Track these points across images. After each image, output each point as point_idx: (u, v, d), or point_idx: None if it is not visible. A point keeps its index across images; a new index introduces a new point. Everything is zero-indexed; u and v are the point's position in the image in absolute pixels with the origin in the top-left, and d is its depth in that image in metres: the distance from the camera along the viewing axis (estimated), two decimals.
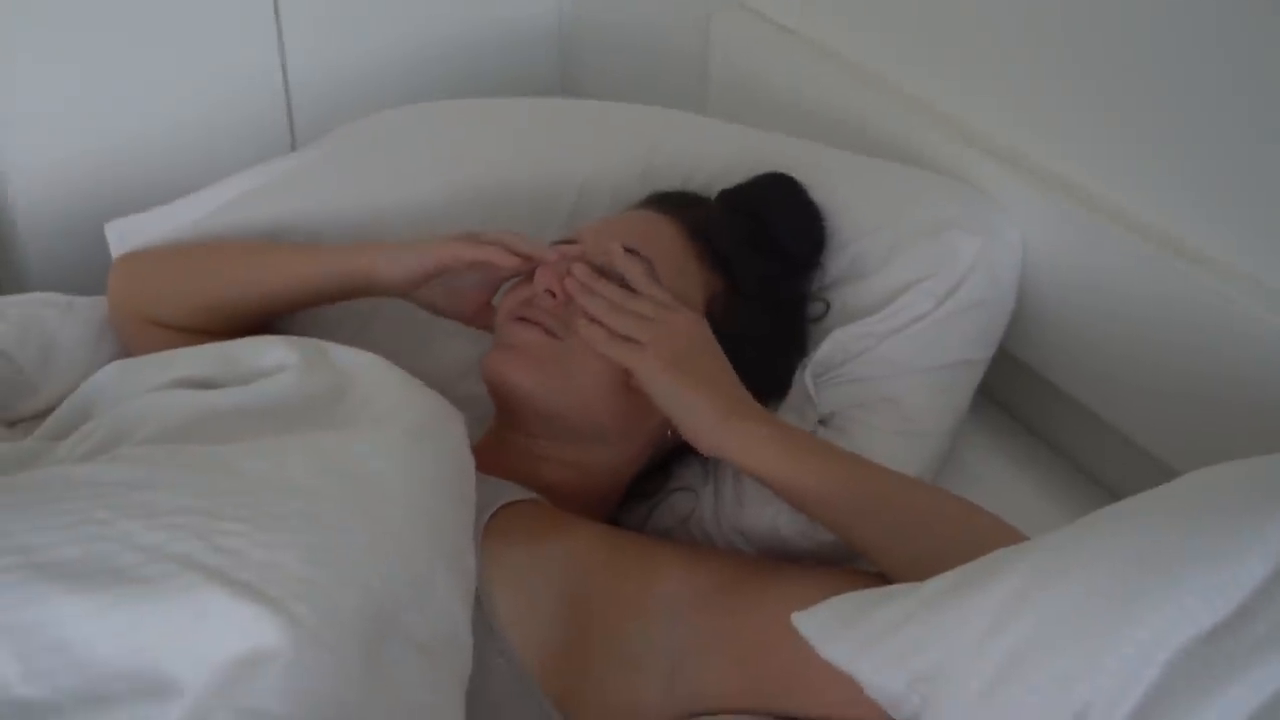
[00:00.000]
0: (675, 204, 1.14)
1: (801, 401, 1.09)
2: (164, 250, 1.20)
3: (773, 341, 1.11)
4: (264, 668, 0.68)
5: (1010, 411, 1.27)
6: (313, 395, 0.93)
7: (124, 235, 1.23)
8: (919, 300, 1.09)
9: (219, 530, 0.73)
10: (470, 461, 0.91)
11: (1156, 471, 1.01)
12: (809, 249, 1.15)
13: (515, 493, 0.96)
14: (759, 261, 1.10)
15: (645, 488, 1.11)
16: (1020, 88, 1.15)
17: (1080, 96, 1.09)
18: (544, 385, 1.00)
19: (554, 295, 1.02)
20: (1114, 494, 1.12)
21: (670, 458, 1.12)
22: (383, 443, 0.85)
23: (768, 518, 1.04)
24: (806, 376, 1.09)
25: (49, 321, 1.19)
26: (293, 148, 1.74)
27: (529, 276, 1.05)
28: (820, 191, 1.17)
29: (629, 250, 1.03)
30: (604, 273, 1.03)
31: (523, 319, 1.02)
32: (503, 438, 1.07)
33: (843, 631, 0.79)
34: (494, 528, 0.91)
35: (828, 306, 1.14)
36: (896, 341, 1.09)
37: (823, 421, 1.10)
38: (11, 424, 1.15)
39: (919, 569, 0.83)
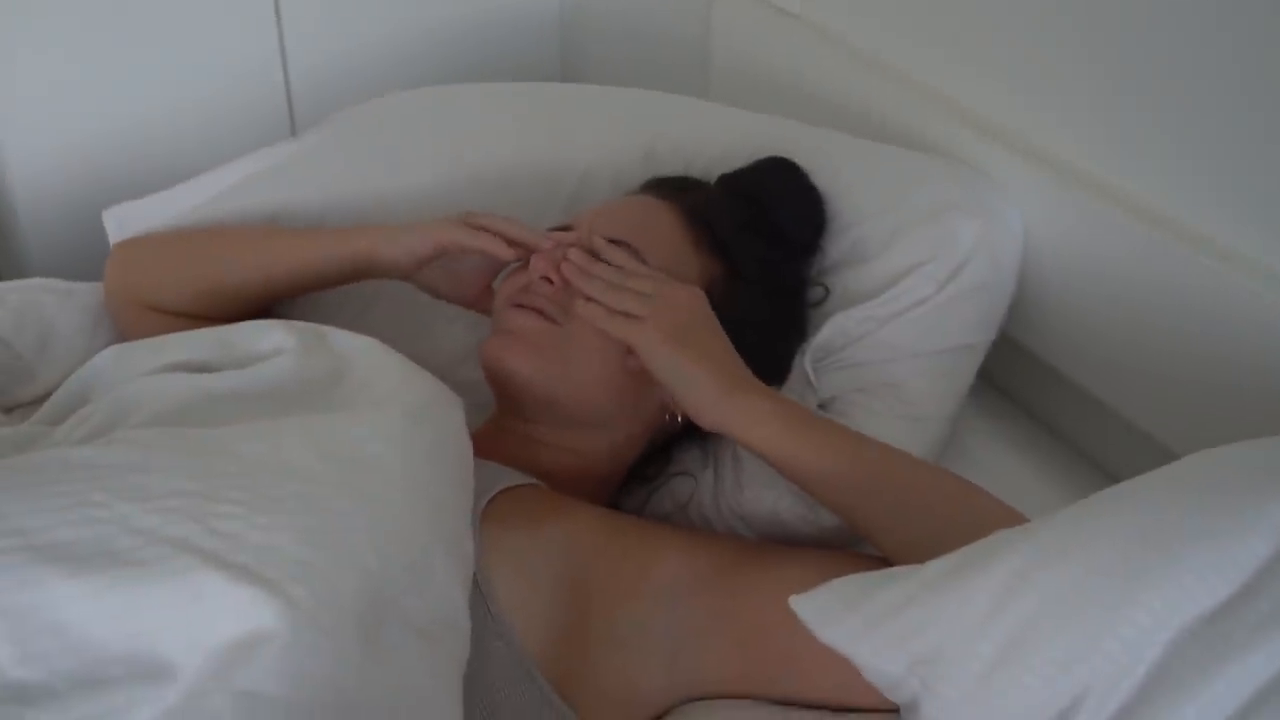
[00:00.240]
0: (674, 189, 1.13)
1: (801, 386, 1.09)
2: (163, 236, 1.20)
3: (772, 326, 1.10)
4: (260, 650, 0.68)
5: (1010, 396, 1.27)
6: (310, 379, 0.93)
7: (122, 222, 1.23)
8: (920, 284, 1.08)
9: (215, 513, 0.73)
10: (468, 446, 0.90)
11: (1157, 455, 1.00)
12: (809, 233, 1.15)
13: (514, 477, 0.96)
14: (758, 246, 1.10)
15: (645, 472, 1.11)
16: (1021, 71, 1.15)
17: (1082, 79, 1.08)
18: (542, 370, 1.00)
19: (551, 282, 1.01)
20: (1114, 478, 1.10)
21: (670, 442, 1.11)
22: (381, 426, 0.85)
23: (768, 502, 1.04)
24: (806, 361, 1.09)
25: (47, 307, 1.19)
26: (292, 134, 1.74)
27: (526, 263, 1.05)
28: (821, 175, 1.17)
29: (614, 241, 1.03)
30: (600, 258, 1.02)
31: (520, 305, 1.02)
32: (501, 424, 1.06)
33: (842, 615, 0.78)
34: (492, 512, 0.91)
35: (827, 291, 1.14)
36: (897, 326, 1.08)
37: (822, 406, 1.10)
38: (9, 410, 1.15)
39: (919, 550, 0.83)
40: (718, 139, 1.25)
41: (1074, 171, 1.10)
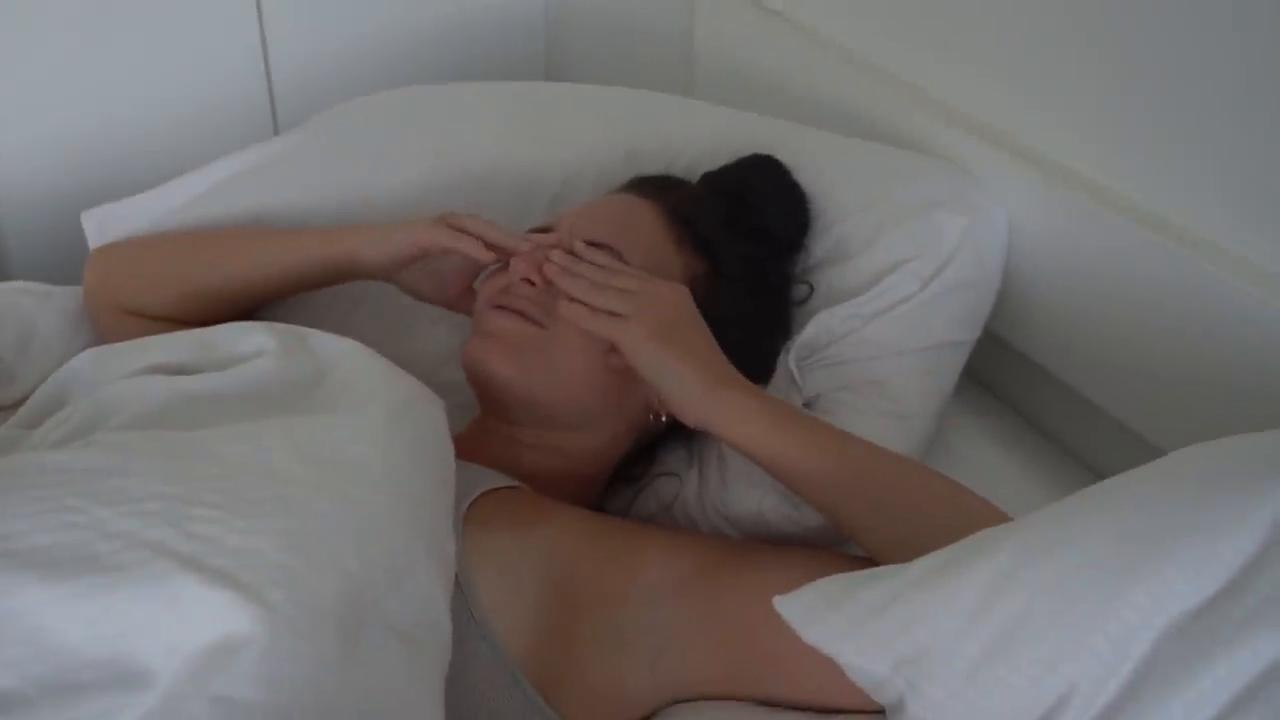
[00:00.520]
0: (656, 187, 1.13)
1: (786, 385, 1.08)
2: (142, 240, 1.19)
3: (756, 324, 1.10)
4: (238, 655, 0.67)
5: (996, 393, 1.27)
6: (291, 380, 0.92)
7: (101, 224, 1.23)
8: (904, 281, 1.08)
9: (194, 516, 0.73)
10: (450, 447, 0.90)
11: (1143, 452, 1.00)
12: (794, 230, 1.15)
13: (496, 480, 0.95)
14: (741, 243, 1.10)
15: (630, 472, 1.11)
16: (1006, 68, 1.15)
17: (1067, 77, 1.08)
18: (524, 372, 0.99)
19: (532, 283, 1.01)
20: (1100, 474, 1.11)
21: (655, 442, 1.11)
22: (362, 427, 0.84)
23: (753, 501, 1.03)
24: (791, 359, 1.08)
25: (27, 309, 1.18)
26: (276, 134, 1.73)
27: (506, 264, 1.05)
28: (805, 173, 1.17)
29: (594, 244, 1.03)
30: (582, 260, 1.02)
31: (501, 307, 1.02)
32: (485, 426, 1.06)
33: (826, 615, 0.78)
34: (475, 514, 0.90)
35: (811, 289, 1.14)
36: (882, 323, 1.08)
37: (807, 404, 1.09)
38: None
39: (905, 549, 0.82)
40: (701, 137, 1.25)
41: (1059, 168, 1.10)
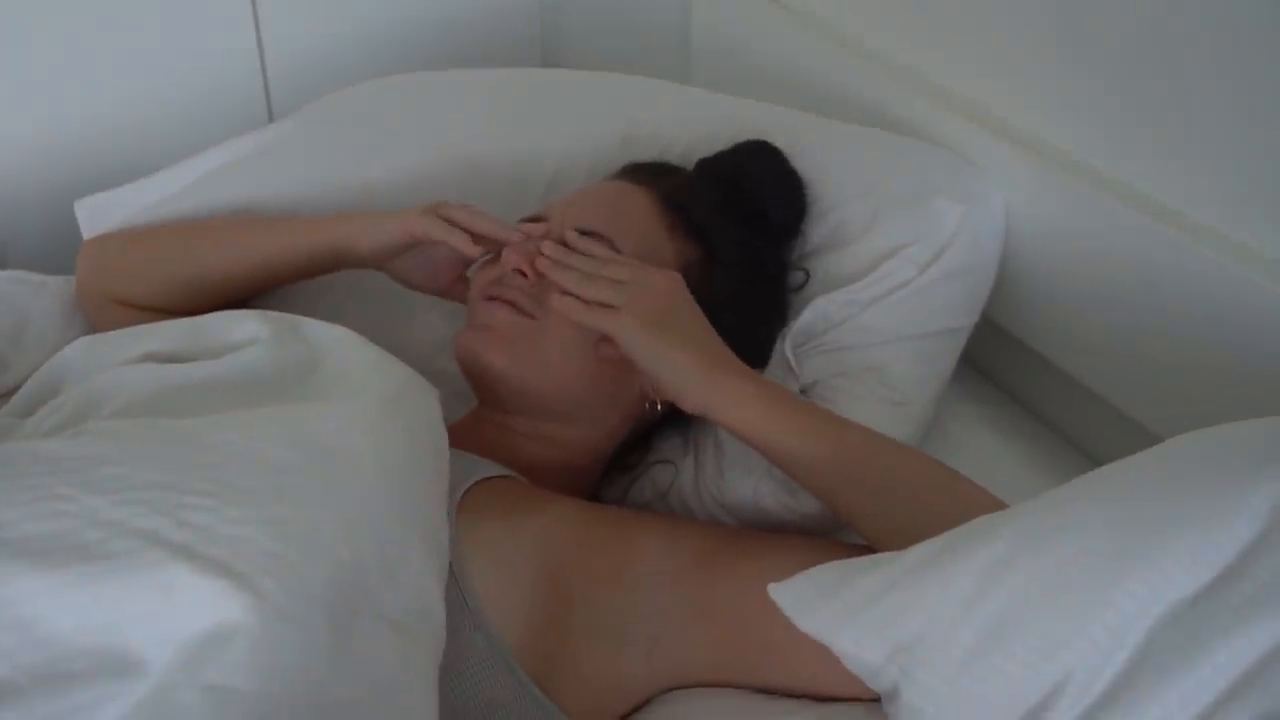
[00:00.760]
0: (650, 173, 1.13)
1: (782, 371, 1.08)
2: (135, 230, 1.19)
3: (752, 310, 1.09)
4: (229, 644, 0.67)
5: (993, 380, 1.27)
6: (284, 369, 0.92)
7: (94, 212, 1.23)
8: (901, 267, 1.08)
9: (185, 505, 0.72)
10: (444, 436, 0.90)
11: (1141, 439, 1.00)
12: (790, 216, 1.14)
13: (491, 469, 0.95)
14: (736, 229, 1.09)
15: (625, 460, 1.11)
16: (1003, 54, 1.14)
17: (1064, 62, 1.08)
18: (517, 363, 0.99)
19: (523, 275, 1.01)
20: (1097, 461, 1.11)
21: (650, 430, 1.11)
22: (355, 416, 0.84)
23: (749, 489, 1.03)
24: (787, 346, 1.08)
25: (20, 298, 1.19)
26: (270, 122, 1.72)
27: (499, 254, 1.04)
28: (802, 159, 1.16)
29: (585, 233, 1.02)
30: (573, 250, 1.02)
31: (492, 298, 1.01)
32: (480, 415, 1.06)
33: (821, 603, 0.78)
34: (469, 503, 0.90)
35: (808, 275, 1.13)
36: (879, 309, 1.08)
37: (804, 391, 1.09)
38: None
39: (902, 536, 0.82)
40: (696, 124, 1.25)
41: (1056, 154, 1.09)
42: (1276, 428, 0.76)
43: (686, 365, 0.94)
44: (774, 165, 1.15)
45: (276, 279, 1.13)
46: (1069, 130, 1.09)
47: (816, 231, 1.15)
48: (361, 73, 1.40)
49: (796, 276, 1.14)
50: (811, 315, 1.08)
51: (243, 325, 0.96)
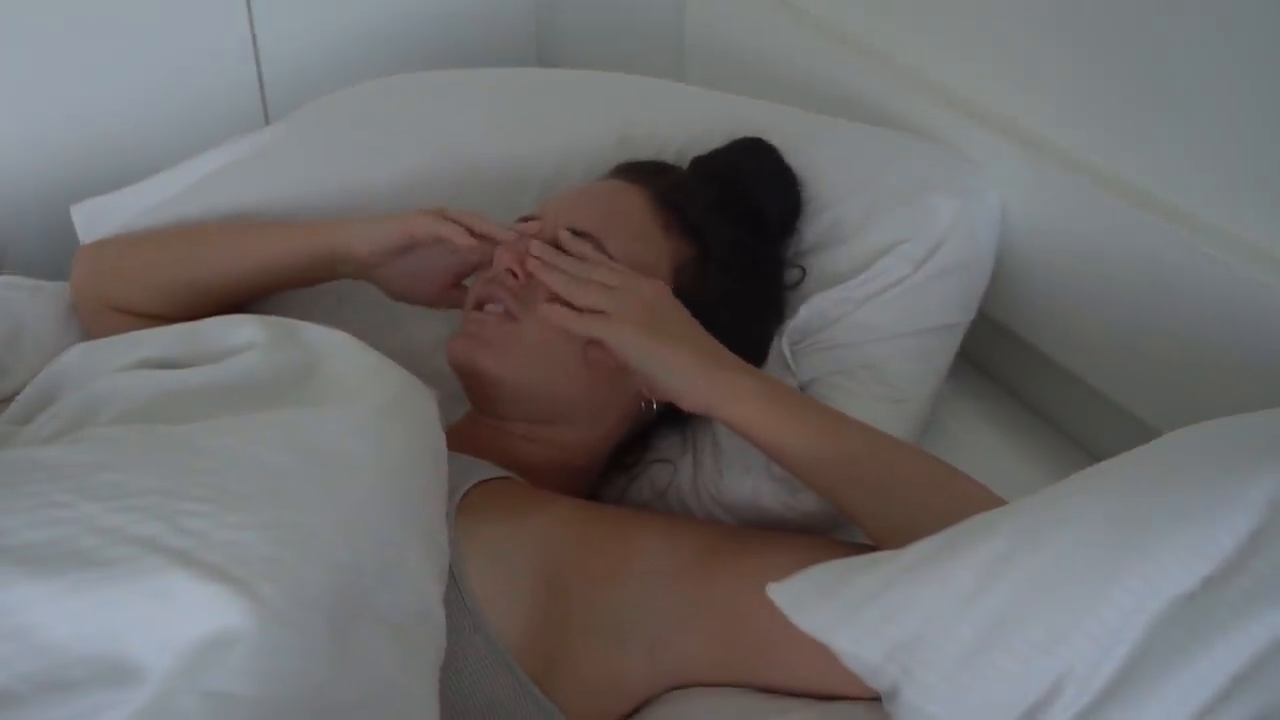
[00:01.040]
0: (645, 172, 1.13)
1: (780, 369, 1.08)
2: (129, 237, 1.19)
3: (747, 307, 1.09)
4: (229, 649, 0.67)
5: (991, 375, 1.26)
6: (282, 373, 0.92)
7: (91, 216, 1.22)
8: (897, 264, 1.08)
9: (183, 511, 0.72)
10: (442, 438, 0.90)
11: (1139, 433, 1.00)
12: (785, 213, 1.14)
13: (489, 471, 0.95)
14: (730, 227, 1.09)
15: (623, 460, 1.11)
16: (998, 49, 1.14)
17: (1059, 57, 1.08)
18: (507, 368, 1.00)
19: (515, 275, 1.01)
20: (1096, 456, 1.11)
21: (648, 429, 1.11)
22: (353, 419, 0.84)
23: (747, 487, 1.03)
24: (784, 344, 1.08)
25: (17, 304, 1.18)
26: (266, 124, 1.72)
27: (492, 263, 1.04)
28: (797, 156, 1.16)
29: (577, 232, 1.02)
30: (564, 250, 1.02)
31: (481, 308, 1.02)
32: (476, 417, 1.06)
33: (819, 601, 0.78)
34: (468, 505, 0.90)
35: (804, 273, 1.13)
36: (875, 306, 1.08)
37: (802, 389, 1.09)
38: None
39: (901, 533, 0.82)
40: (692, 122, 1.25)
41: (1052, 149, 1.09)
42: (1272, 421, 0.76)
43: (685, 363, 0.94)
44: (769, 162, 1.15)
45: (273, 285, 1.13)
46: (1065, 125, 1.09)
47: (812, 229, 1.15)
48: (357, 73, 1.40)
49: (793, 274, 1.14)
50: (808, 313, 1.08)
51: (239, 330, 0.96)
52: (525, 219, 1.07)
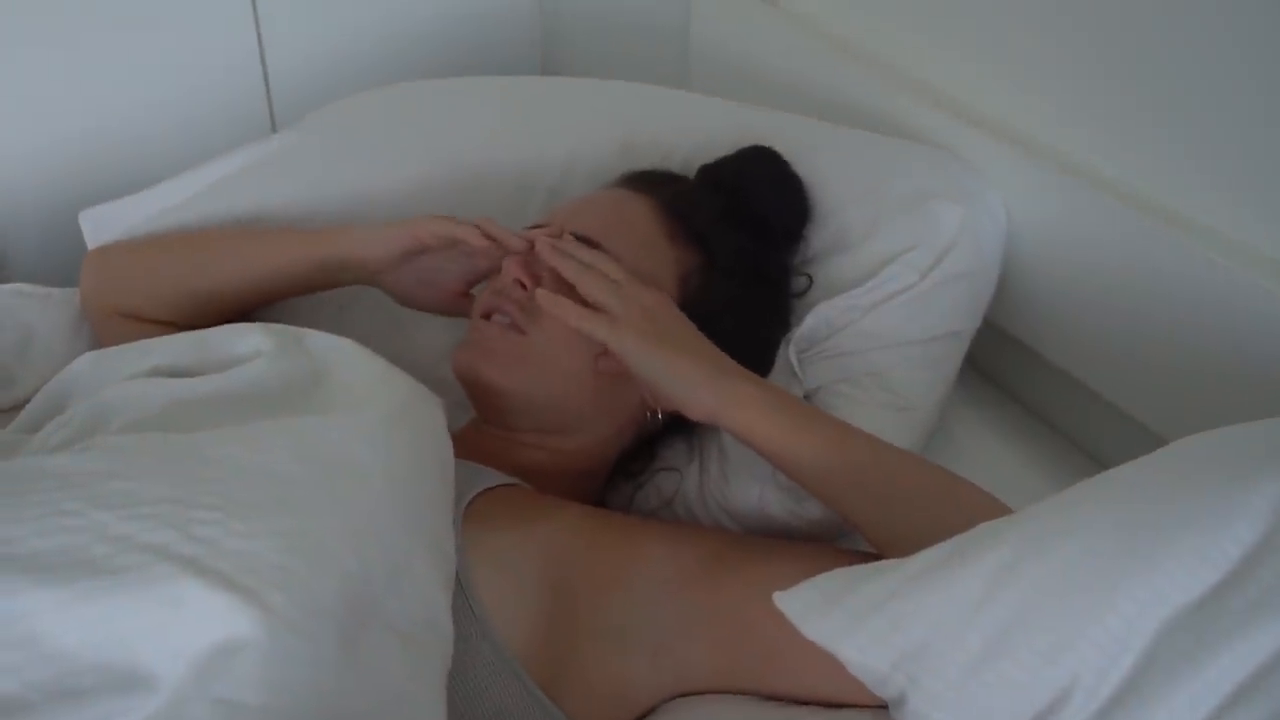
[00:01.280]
0: (650, 181, 1.13)
1: (786, 377, 1.08)
2: (136, 242, 1.19)
3: (753, 315, 1.09)
4: (239, 658, 0.67)
5: (997, 383, 1.26)
6: (289, 381, 0.92)
7: (99, 223, 1.23)
8: (903, 272, 1.08)
9: (193, 519, 0.72)
10: (448, 446, 0.90)
11: (1146, 441, 1.00)
12: (792, 221, 1.14)
13: (495, 478, 0.95)
14: (736, 235, 1.09)
15: (630, 468, 1.11)
16: (1002, 56, 1.15)
17: (1062, 64, 1.08)
18: (515, 379, 1.00)
19: (523, 286, 1.01)
20: (1102, 464, 1.12)
21: (654, 438, 1.11)
22: (360, 427, 0.84)
23: (754, 495, 1.03)
24: (790, 352, 1.08)
25: (25, 311, 1.19)
26: (273, 132, 1.73)
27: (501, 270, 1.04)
28: (802, 164, 1.16)
29: (581, 238, 1.02)
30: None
31: (488, 318, 1.02)
32: (481, 425, 1.06)
33: (826, 610, 0.78)
34: (474, 512, 0.90)
35: (810, 281, 1.13)
36: (881, 314, 1.08)
37: (808, 397, 1.09)
38: None
39: (907, 542, 0.82)
40: (697, 130, 1.25)
41: (1056, 156, 1.10)
42: (1273, 429, 0.76)
43: (689, 372, 0.94)
44: (775, 171, 1.15)
45: (278, 292, 1.13)
46: (1070, 132, 1.09)
47: (818, 237, 1.15)
48: (363, 81, 1.40)
49: (799, 282, 1.14)
50: (814, 321, 1.08)
51: (247, 339, 0.96)
52: (533, 228, 1.07)
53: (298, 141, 1.31)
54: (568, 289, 0.98)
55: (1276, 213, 0.93)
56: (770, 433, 0.92)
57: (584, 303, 0.96)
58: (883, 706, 0.80)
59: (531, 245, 1.03)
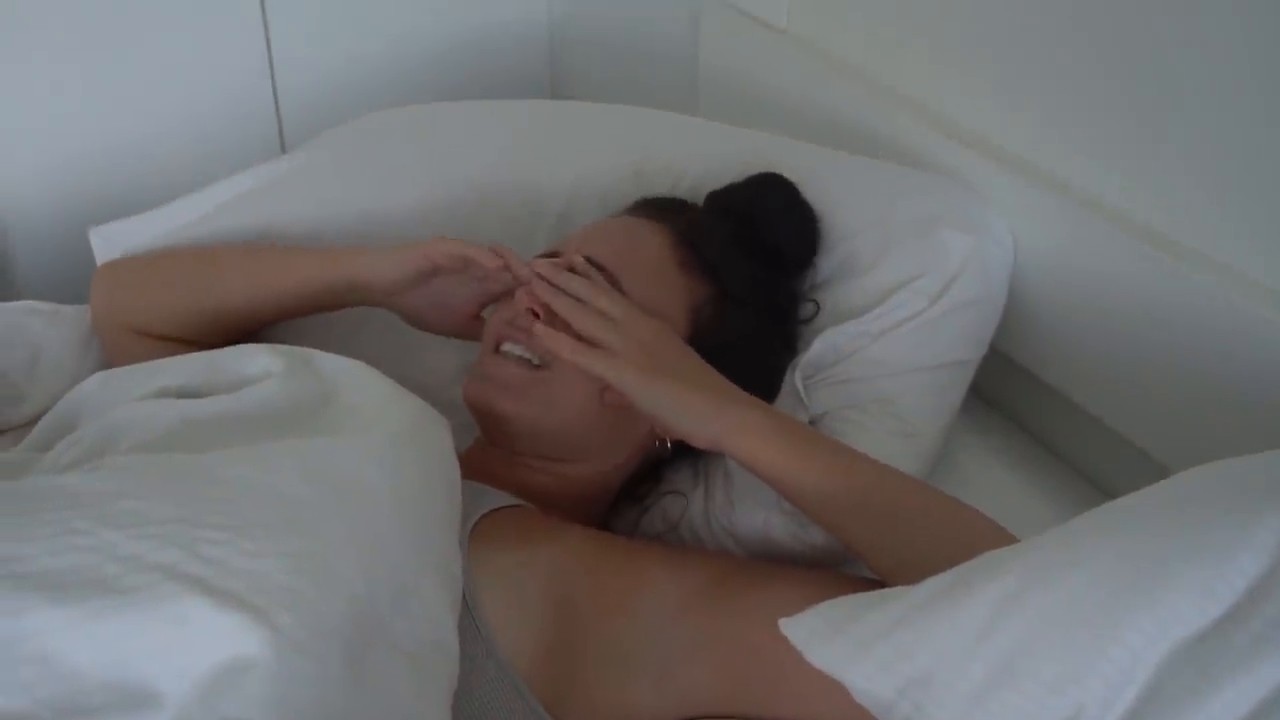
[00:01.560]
0: (663, 209, 1.13)
1: (792, 403, 1.08)
2: (147, 257, 1.20)
3: (762, 343, 1.10)
4: (246, 677, 0.67)
5: (1002, 411, 1.26)
6: (298, 402, 0.92)
7: (109, 240, 1.23)
8: (911, 299, 1.08)
9: (202, 539, 0.73)
10: (456, 468, 0.90)
11: (1150, 469, 1.00)
12: (803, 250, 1.15)
13: (501, 499, 0.96)
14: (747, 264, 1.10)
15: (636, 492, 1.11)
16: (1010, 84, 1.15)
17: (1070, 93, 1.08)
18: (524, 413, 1.00)
19: (536, 315, 1.01)
20: (1107, 493, 1.11)
21: (660, 462, 1.11)
22: (368, 448, 0.85)
23: (759, 520, 1.03)
24: (797, 377, 1.08)
25: (35, 329, 1.19)
26: (283, 152, 1.74)
27: (512, 294, 1.04)
28: (811, 191, 1.16)
29: (593, 264, 1.03)
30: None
31: (498, 348, 1.02)
32: (487, 446, 1.06)
33: (831, 637, 0.78)
34: (481, 533, 0.91)
35: (818, 307, 1.13)
36: (888, 341, 1.08)
37: (813, 423, 1.09)
38: (1, 432, 1.15)
39: (911, 569, 0.82)
40: (706, 155, 1.25)
41: (1064, 185, 1.10)
42: (1274, 462, 0.76)
43: (693, 402, 0.94)
44: (787, 199, 1.15)
45: (288, 311, 1.13)
46: (1077, 161, 1.09)
47: (826, 263, 1.15)
48: (372, 102, 1.41)
49: (807, 308, 1.14)
50: (821, 347, 1.08)
51: (256, 359, 0.97)
52: (545, 255, 1.08)
53: (307, 162, 1.31)
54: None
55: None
56: (774, 459, 0.92)
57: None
58: None
59: (540, 274, 1.03)
